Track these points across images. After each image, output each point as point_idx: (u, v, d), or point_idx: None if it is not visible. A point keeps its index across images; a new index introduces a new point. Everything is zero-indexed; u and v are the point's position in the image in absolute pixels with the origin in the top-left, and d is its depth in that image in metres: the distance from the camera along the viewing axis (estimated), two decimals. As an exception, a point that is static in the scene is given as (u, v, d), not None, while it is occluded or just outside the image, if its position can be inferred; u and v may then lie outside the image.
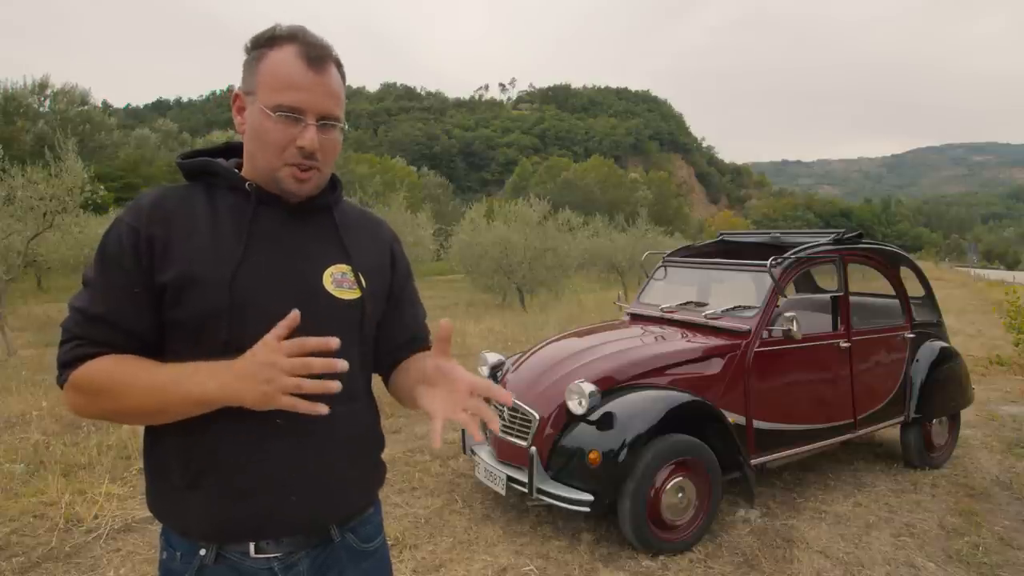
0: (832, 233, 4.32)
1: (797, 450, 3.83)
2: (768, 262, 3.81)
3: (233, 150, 1.21)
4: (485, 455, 3.65)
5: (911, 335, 4.48)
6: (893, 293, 4.61)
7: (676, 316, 4.19)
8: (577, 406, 3.25)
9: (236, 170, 1.14)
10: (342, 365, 0.97)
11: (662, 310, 4.30)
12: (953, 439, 4.65)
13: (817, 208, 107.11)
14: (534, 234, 16.49)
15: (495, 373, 4.07)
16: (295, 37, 1.07)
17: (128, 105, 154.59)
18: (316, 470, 1.10)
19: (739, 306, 3.93)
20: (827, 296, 4.50)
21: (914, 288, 4.71)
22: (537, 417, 3.37)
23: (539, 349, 4.06)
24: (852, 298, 4.26)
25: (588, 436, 3.20)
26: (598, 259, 23.48)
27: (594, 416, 3.22)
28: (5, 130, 31.70)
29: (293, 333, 1.06)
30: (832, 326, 4.12)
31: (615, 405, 3.24)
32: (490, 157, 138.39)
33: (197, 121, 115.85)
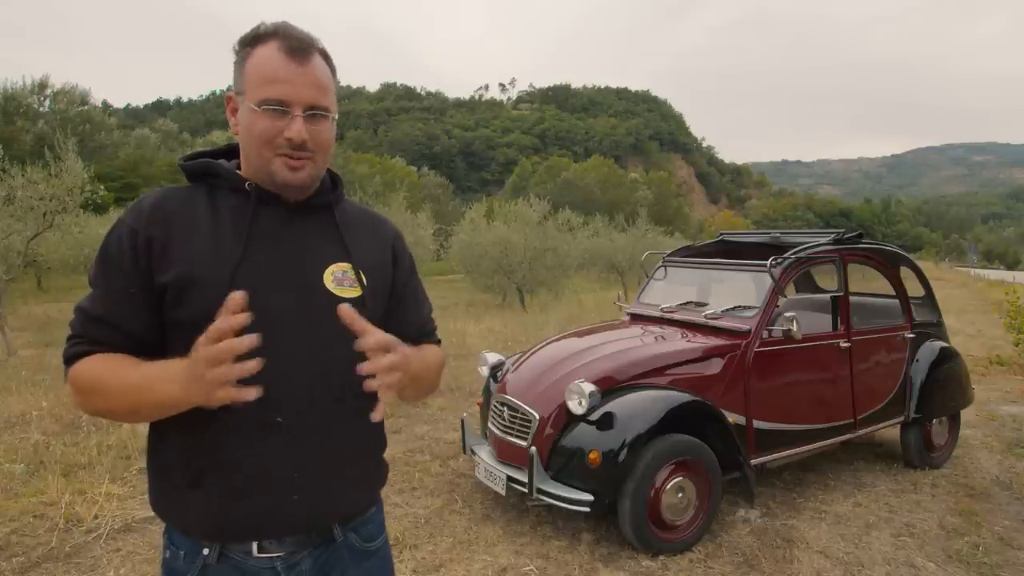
0: (832, 233, 4.32)
1: (797, 450, 3.83)
2: (768, 262, 3.81)
3: (235, 151, 1.21)
4: (485, 455, 3.65)
5: (911, 335, 4.48)
6: (893, 293, 4.61)
7: (676, 316, 4.19)
8: (577, 406, 3.25)
9: (237, 171, 1.15)
10: (247, 343, 0.90)
11: (662, 310, 4.30)
12: (953, 439, 4.65)
13: (817, 208, 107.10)
14: (534, 234, 16.49)
15: (495, 373, 4.07)
16: (276, 32, 1.08)
17: (128, 105, 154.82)
18: (317, 469, 1.10)
19: (739, 306, 3.93)
20: (827, 296, 4.50)
21: (914, 288, 4.71)
22: (537, 417, 3.37)
23: (539, 349, 4.06)
24: (852, 298, 4.26)
25: (588, 436, 3.20)
26: (598, 259, 23.48)
27: (594, 416, 3.22)
28: (5, 130, 31.71)
29: (295, 332, 1.06)
30: (832, 326, 4.12)
31: (615, 405, 3.24)
32: (490, 157, 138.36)
33: (197, 121, 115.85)
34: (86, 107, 40.17)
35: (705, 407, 3.38)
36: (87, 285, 1.11)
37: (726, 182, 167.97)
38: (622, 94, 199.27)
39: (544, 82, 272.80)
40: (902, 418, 4.35)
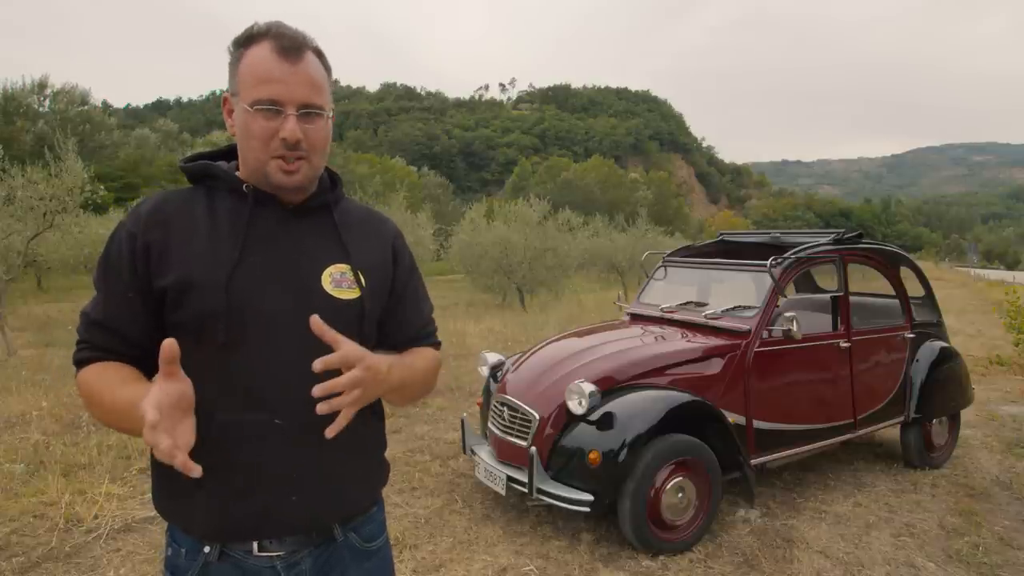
0: (832, 233, 4.32)
1: (797, 450, 3.83)
2: (768, 262, 3.81)
3: (236, 152, 1.21)
4: (485, 455, 3.65)
5: (911, 335, 4.48)
6: (893, 293, 4.61)
7: (676, 316, 4.19)
8: (577, 406, 3.25)
9: (235, 172, 1.15)
10: (177, 462, 0.88)
11: (662, 310, 4.30)
12: (953, 439, 4.65)
13: (817, 208, 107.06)
14: (534, 234, 16.49)
15: (495, 373, 4.07)
16: (268, 32, 1.08)
17: (128, 105, 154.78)
18: (316, 470, 1.10)
19: (739, 306, 3.93)
20: (827, 296, 4.50)
21: (914, 288, 4.71)
22: (537, 417, 3.37)
23: (539, 349, 4.06)
24: (852, 298, 4.26)
25: (588, 436, 3.20)
26: (598, 259, 23.48)
27: (594, 416, 3.22)
28: (5, 130, 31.70)
29: (293, 334, 1.06)
30: (832, 326, 4.12)
31: (615, 405, 3.24)
32: (490, 157, 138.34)
33: (197, 121, 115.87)
34: (86, 107, 40.15)
35: (705, 407, 3.38)
36: (87, 285, 1.12)
37: (726, 182, 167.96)
38: (622, 94, 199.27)
39: (544, 82, 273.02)
40: (902, 418, 4.35)
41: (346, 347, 0.98)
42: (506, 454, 3.50)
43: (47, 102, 38.41)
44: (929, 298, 4.85)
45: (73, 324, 1.26)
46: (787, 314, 3.73)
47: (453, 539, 3.35)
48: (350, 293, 1.14)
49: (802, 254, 4.00)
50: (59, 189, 9.05)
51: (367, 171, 45.37)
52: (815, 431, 3.92)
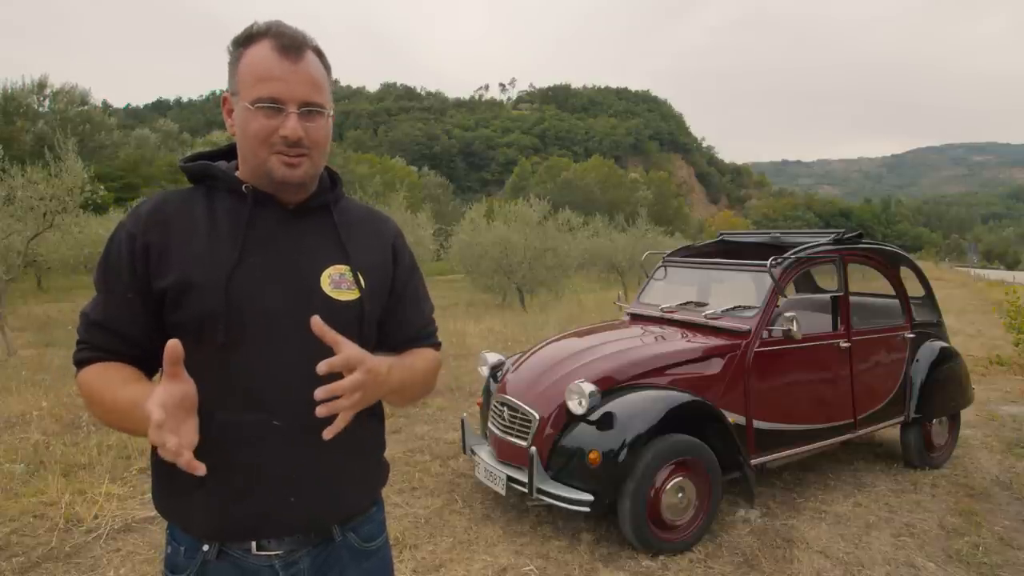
0: (832, 233, 4.32)
1: (797, 450, 3.83)
2: (768, 262, 3.81)
3: (236, 152, 1.21)
4: (485, 455, 3.65)
5: (911, 335, 4.48)
6: (893, 293, 4.61)
7: (676, 316, 4.19)
8: (577, 406, 3.25)
9: (235, 172, 1.15)
10: (172, 442, 0.87)
11: (662, 310, 4.30)
12: (953, 439, 4.65)
13: (817, 208, 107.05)
14: (534, 234, 16.49)
15: (495, 373, 4.07)
16: (268, 31, 1.08)
17: (128, 105, 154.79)
18: (315, 471, 1.10)
19: (739, 306, 3.93)
20: (827, 296, 4.50)
21: (914, 288, 4.71)
22: (537, 417, 3.37)
23: (539, 349, 4.06)
24: (852, 298, 4.26)
25: (588, 436, 3.20)
26: (598, 259, 23.47)
27: (594, 416, 3.22)
28: (5, 130, 31.69)
29: (292, 335, 1.06)
30: (832, 326, 4.12)
31: (615, 405, 3.24)
32: (490, 157, 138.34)
33: (197, 121, 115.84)
34: (86, 107, 40.14)
35: (705, 407, 3.38)
36: (87, 285, 1.13)
37: (726, 182, 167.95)
38: (622, 94, 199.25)
39: (544, 82, 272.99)
40: (902, 418, 4.35)
41: (347, 349, 0.97)
42: (506, 454, 3.50)
43: (47, 102, 38.43)
44: (929, 298, 4.85)
45: (73, 324, 1.26)
46: (787, 314, 3.73)
47: (453, 539, 3.35)
48: (349, 294, 1.14)
49: (802, 254, 4.00)
50: (59, 189, 9.05)
51: (367, 171, 45.37)
52: (815, 431, 3.92)
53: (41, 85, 38.05)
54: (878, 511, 3.75)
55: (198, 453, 1.06)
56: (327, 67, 1.14)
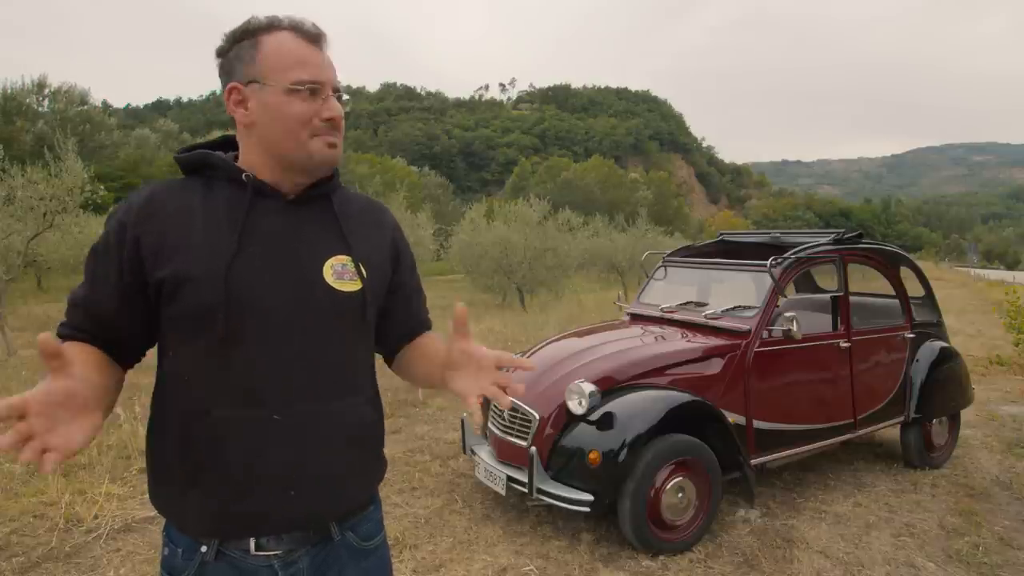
0: (832, 233, 4.32)
1: (797, 450, 3.82)
2: (768, 262, 3.81)
3: (230, 144, 1.20)
4: (485, 455, 3.65)
5: (911, 335, 4.48)
6: (893, 293, 4.61)
7: (676, 316, 4.19)
8: (577, 406, 3.25)
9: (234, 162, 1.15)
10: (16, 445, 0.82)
11: (662, 310, 4.30)
12: (953, 439, 4.65)
13: (817, 208, 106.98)
14: (534, 234, 16.47)
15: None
16: (285, 21, 1.11)
17: (128, 105, 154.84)
18: (315, 466, 1.09)
19: (739, 306, 3.92)
20: (827, 296, 4.50)
21: (914, 288, 4.71)
22: (537, 417, 3.37)
23: (539, 349, 4.06)
24: (852, 298, 4.26)
25: (588, 436, 3.20)
26: (598, 259, 23.46)
27: (594, 416, 3.22)
28: (5, 130, 31.67)
29: (293, 327, 1.06)
30: (832, 326, 4.12)
31: (615, 405, 3.24)
32: (490, 157, 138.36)
33: (197, 121, 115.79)
34: (86, 107, 40.11)
35: (705, 407, 3.38)
36: None
37: (726, 182, 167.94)
38: (622, 94, 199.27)
39: (544, 82, 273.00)
40: (902, 418, 4.35)
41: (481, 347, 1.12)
42: (506, 454, 3.50)
43: (46, 102, 38.42)
44: (929, 298, 4.85)
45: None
46: (787, 314, 3.73)
47: (453, 539, 3.35)
48: (352, 285, 1.13)
49: (802, 254, 4.00)
50: (59, 189, 9.05)
51: (367, 171, 45.34)
52: (815, 431, 3.92)
53: (41, 85, 38.04)
54: (878, 511, 3.75)
55: (195, 449, 1.06)
56: None
